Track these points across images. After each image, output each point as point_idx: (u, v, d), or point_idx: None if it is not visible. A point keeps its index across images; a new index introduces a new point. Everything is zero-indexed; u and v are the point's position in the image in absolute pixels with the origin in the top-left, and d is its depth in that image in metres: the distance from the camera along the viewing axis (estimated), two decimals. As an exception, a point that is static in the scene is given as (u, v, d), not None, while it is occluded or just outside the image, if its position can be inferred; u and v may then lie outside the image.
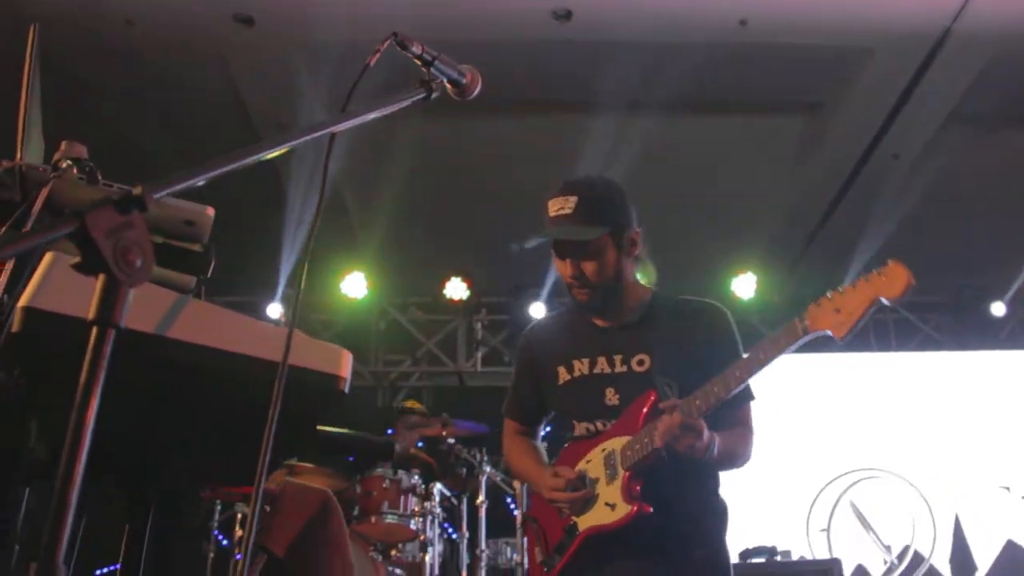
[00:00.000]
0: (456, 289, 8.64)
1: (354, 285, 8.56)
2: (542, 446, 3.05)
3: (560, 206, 2.60)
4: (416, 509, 5.51)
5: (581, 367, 2.74)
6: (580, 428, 2.75)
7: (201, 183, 1.20)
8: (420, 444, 6.80)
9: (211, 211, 1.71)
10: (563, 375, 2.78)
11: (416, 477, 5.67)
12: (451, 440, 5.99)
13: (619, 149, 6.13)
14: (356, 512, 5.49)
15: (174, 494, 1.68)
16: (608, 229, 2.61)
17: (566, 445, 2.83)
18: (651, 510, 2.46)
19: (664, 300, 2.80)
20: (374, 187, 7.29)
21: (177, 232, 1.70)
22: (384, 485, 5.49)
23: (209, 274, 1.72)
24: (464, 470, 6.05)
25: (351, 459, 5.57)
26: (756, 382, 2.49)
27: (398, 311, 9.30)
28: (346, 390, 1.48)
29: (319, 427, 1.63)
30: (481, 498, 5.93)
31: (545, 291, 8.39)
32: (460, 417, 6.12)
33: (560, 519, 2.69)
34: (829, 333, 2.23)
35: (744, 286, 8.38)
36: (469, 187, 7.41)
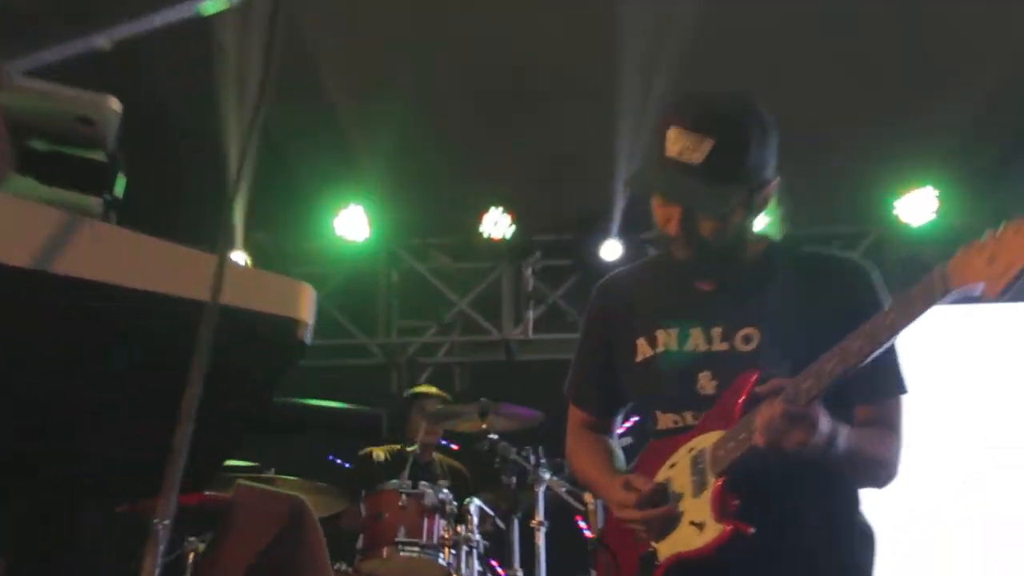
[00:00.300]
0: (497, 224, 8.66)
1: (352, 223, 8.62)
2: (618, 444, 3.08)
3: (686, 146, 2.56)
4: (446, 536, 5.55)
5: (668, 340, 2.76)
6: (665, 420, 2.78)
7: (101, 47, 1.18)
8: (443, 442, 6.83)
9: (116, 103, 1.70)
10: (643, 349, 2.81)
11: (444, 491, 5.70)
12: (493, 436, 5.99)
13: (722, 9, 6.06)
14: (360, 544, 5.54)
15: (67, 512, 1.64)
16: (744, 191, 2.61)
17: (648, 442, 2.86)
18: (752, 531, 2.46)
19: (786, 253, 2.81)
20: (377, 88, 7.26)
21: (69, 135, 1.69)
22: (400, 503, 5.53)
23: (118, 191, 1.72)
24: (514, 479, 6.05)
25: (333, 458, 5.59)
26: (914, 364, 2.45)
27: (416, 258, 9.35)
28: (307, 340, 1.47)
29: (274, 398, 1.62)
30: (538, 518, 5.90)
31: (615, 224, 8.28)
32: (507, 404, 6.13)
33: (636, 545, 2.71)
34: (978, 288, 2.21)
35: (916, 208, 8.22)
36: (508, 83, 7.33)
